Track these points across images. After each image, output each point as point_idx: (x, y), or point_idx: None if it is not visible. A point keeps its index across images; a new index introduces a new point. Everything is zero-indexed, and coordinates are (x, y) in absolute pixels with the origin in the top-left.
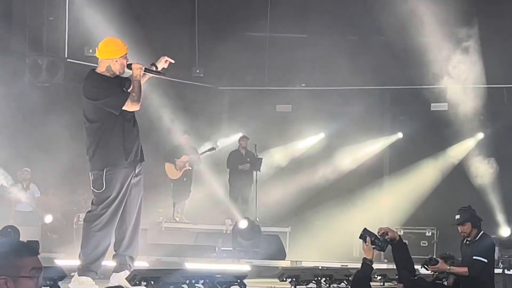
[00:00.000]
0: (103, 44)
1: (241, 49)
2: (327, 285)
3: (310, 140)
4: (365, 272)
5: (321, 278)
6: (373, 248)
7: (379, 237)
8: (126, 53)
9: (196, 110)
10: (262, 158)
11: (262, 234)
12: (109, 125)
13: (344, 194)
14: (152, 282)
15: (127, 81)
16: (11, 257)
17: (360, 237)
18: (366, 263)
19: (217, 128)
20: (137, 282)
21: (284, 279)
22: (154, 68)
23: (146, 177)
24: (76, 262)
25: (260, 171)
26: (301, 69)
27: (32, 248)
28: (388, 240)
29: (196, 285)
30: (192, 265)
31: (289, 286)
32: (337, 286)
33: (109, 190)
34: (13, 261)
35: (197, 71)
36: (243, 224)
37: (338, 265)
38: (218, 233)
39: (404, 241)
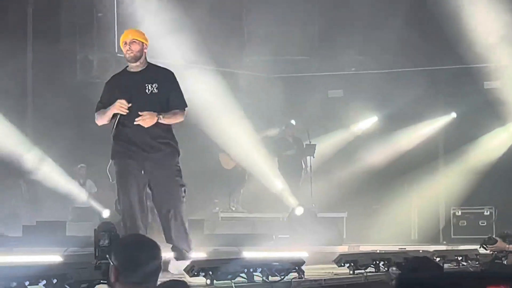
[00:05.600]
0: None
1: (290, 37)
2: (386, 268)
3: (363, 124)
4: None
5: (379, 262)
6: None
7: None
8: (124, 42)
9: (248, 99)
10: (315, 144)
11: (318, 220)
12: None
13: (399, 177)
14: (211, 272)
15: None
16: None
17: None
18: None
19: (270, 116)
20: (195, 273)
21: (342, 264)
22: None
23: (200, 168)
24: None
25: (314, 157)
26: (351, 53)
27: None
28: None
29: (254, 273)
30: (249, 254)
31: (348, 271)
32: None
33: None
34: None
35: (248, 60)
36: (299, 211)
37: (396, 248)
38: (274, 221)
39: None
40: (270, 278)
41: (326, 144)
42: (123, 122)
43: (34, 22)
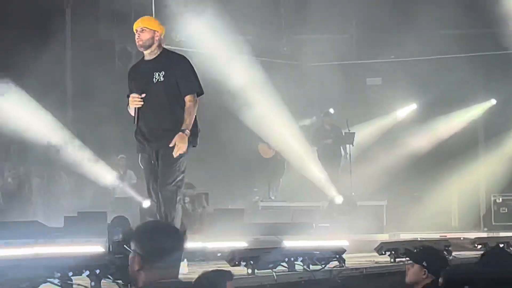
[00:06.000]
0: None
1: (328, 25)
2: None
3: (402, 111)
4: None
5: None
6: None
7: None
8: (135, 29)
9: (287, 88)
10: (354, 133)
11: (358, 208)
12: None
13: (439, 164)
14: (251, 262)
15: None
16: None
17: None
18: None
19: (308, 105)
20: (237, 262)
21: (383, 253)
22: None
23: (240, 158)
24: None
25: (353, 145)
26: (390, 40)
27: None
28: None
29: (295, 262)
30: (290, 243)
31: (388, 259)
32: None
33: None
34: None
35: (284, 48)
36: (339, 199)
37: (437, 236)
38: (314, 209)
39: None
40: (311, 267)
41: (365, 132)
42: (138, 115)
43: (73, 13)
